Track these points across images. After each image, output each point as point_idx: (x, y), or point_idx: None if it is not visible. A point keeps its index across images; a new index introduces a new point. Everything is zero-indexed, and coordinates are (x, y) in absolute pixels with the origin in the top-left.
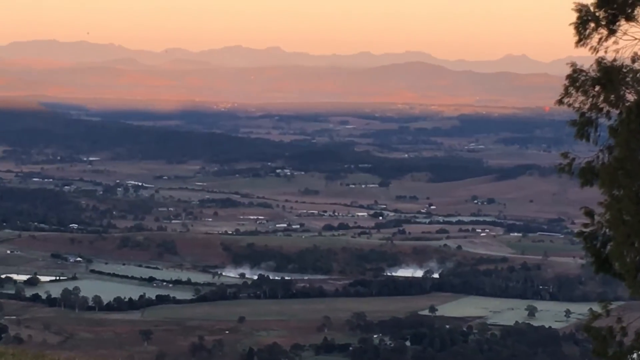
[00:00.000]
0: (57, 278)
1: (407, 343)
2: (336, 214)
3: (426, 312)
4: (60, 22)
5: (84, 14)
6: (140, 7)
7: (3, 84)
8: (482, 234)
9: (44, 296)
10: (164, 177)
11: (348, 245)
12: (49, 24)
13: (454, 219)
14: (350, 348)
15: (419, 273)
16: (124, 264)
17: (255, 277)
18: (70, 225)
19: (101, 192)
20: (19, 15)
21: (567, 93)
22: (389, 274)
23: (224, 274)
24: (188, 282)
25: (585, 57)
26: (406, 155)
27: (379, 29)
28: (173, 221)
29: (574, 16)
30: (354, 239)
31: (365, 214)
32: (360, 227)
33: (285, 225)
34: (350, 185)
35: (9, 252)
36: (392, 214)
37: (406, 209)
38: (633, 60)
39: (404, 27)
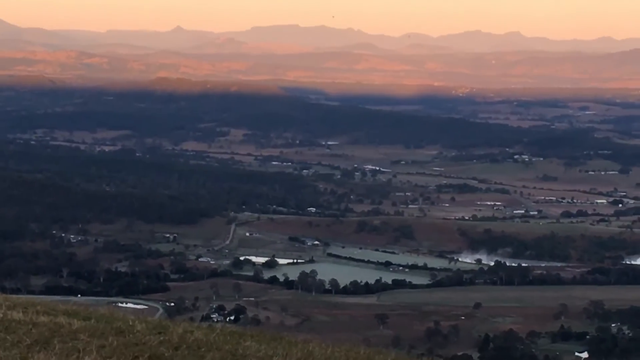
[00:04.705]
0: (295, 261)
1: None
2: (575, 200)
3: None
4: (301, 7)
5: None
6: None
7: (244, 68)
8: None
9: (281, 279)
10: (402, 162)
11: (586, 233)
12: (290, 9)
13: None
14: (587, 337)
15: None
16: (360, 248)
17: (492, 264)
18: (308, 208)
19: (339, 176)
20: (260, 0)
21: None
22: (628, 262)
23: (460, 259)
24: (424, 267)
25: None
26: None
27: (620, 13)
28: (410, 206)
29: None
30: (592, 227)
31: (605, 201)
32: (599, 214)
33: (522, 211)
34: (590, 172)
35: (248, 234)
36: (632, 201)
37: None
38: None
39: None
